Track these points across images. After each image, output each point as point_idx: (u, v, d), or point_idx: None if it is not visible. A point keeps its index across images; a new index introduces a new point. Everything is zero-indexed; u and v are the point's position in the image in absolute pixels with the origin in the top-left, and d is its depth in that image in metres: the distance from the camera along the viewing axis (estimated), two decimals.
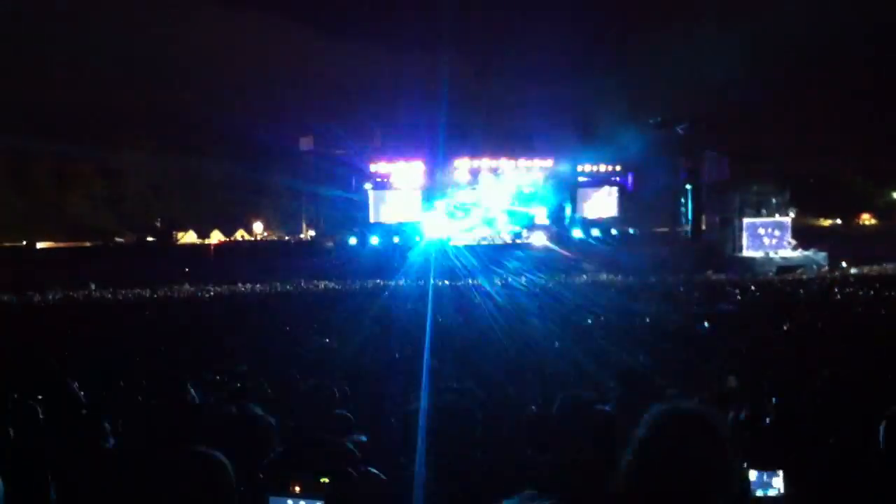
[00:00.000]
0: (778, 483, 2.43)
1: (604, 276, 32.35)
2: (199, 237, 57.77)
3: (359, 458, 2.24)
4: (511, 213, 57.66)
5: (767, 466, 2.44)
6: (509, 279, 31.28)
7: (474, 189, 56.90)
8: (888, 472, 2.27)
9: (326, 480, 1.78)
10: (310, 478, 1.80)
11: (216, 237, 57.68)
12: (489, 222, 57.06)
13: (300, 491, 1.77)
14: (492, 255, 44.92)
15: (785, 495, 2.40)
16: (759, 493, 2.43)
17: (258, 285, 31.60)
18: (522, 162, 57.60)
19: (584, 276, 32.57)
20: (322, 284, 31.97)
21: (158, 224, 59.48)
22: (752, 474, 2.44)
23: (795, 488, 2.46)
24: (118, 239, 56.89)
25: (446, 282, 31.19)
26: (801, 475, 2.61)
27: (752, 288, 27.48)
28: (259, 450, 2.49)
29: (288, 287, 31.39)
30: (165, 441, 2.88)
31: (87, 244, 53.37)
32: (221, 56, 60.18)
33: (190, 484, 1.94)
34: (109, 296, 30.15)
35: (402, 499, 2.42)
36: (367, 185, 55.98)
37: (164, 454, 2.09)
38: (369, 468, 2.40)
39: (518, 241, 55.22)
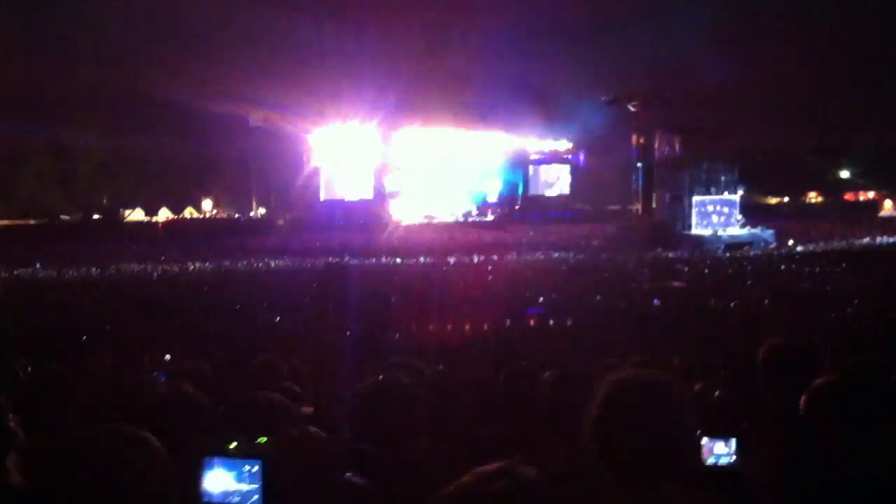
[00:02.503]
0: (731, 450, 2.42)
1: (555, 255, 32.47)
2: (146, 215, 56.92)
3: (300, 417, 2.14)
4: (464, 191, 57.79)
5: (720, 434, 2.43)
6: (463, 259, 31.26)
7: (426, 166, 56.90)
8: (809, 444, 2.28)
9: (264, 439, 1.68)
10: (246, 437, 1.70)
11: (164, 215, 56.84)
12: (443, 199, 57.09)
13: (236, 450, 1.66)
14: (444, 233, 44.91)
15: (737, 461, 2.40)
16: (712, 460, 2.42)
17: (207, 263, 31.16)
18: (476, 135, 57.68)
19: (539, 254, 32.65)
20: (272, 262, 31.62)
21: (105, 202, 58.52)
22: (705, 441, 2.42)
23: (748, 455, 2.46)
24: (63, 217, 55.87)
25: (398, 260, 31.08)
26: (752, 442, 2.59)
27: (702, 265, 27.82)
28: (188, 427, 2.38)
29: (238, 265, 31.00)
30: (89, 420, 2.74)
31: (33, 222, 52.32)
32: (170, 31, 59.04)
33: (112, 463, 1.84)
34: (55, 274, 29.50)
35: (343, 460, 2.38)
36: (318, 162, 55.62)
37: (84, 433, 1.98)
38: (310, 427, 2.32)
39: (470, 219, 55.35)
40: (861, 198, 63.53)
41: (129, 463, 1.83)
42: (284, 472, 1.68)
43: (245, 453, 1.66)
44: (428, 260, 30.61)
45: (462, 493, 1.40)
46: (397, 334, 14.69)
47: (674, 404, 2.07)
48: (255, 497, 1.63)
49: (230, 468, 1.65)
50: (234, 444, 1.66)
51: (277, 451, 1.70)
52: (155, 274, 28.76)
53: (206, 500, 1.66)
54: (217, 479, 1.66)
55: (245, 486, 1.63)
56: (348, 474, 2.35)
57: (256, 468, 1.64)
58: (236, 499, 1.65)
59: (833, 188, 64.27)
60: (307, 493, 1.77)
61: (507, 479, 1.40)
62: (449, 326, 16.06)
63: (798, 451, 2.22)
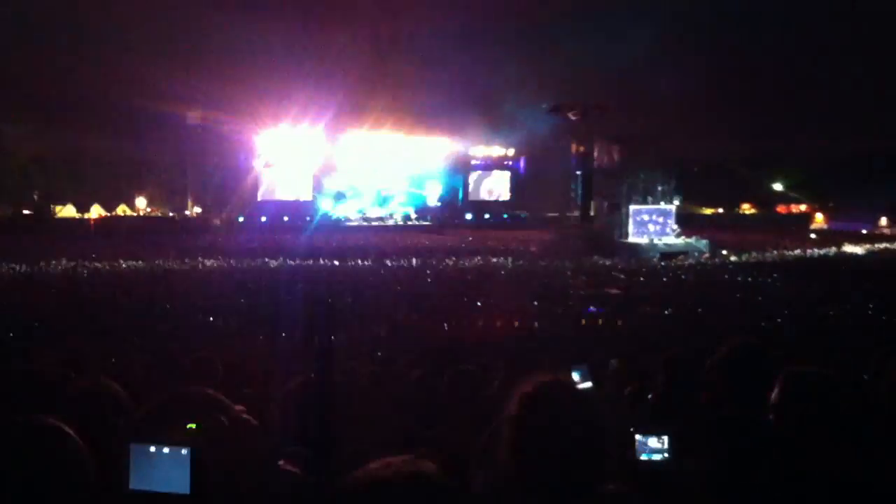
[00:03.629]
0: (664, 446, 2.45)
1: (494, 260, 32.63)
2: (78, 211, 55.59)
3: (230, 406, 2.09)
4: (405, 194, 57.78)
5: (654, 432, 2.46)
6: (402, 262, 31.20)
7: (367, 168, 56.76)
8: (779, 431, 2.31)
9: (193, 426, 1.63)
10: (176, 425, 1.65)
11: (96, 212, 55.56)
12: (382, 202, 57.01)
13: (165, 438, 1.61)
14: (386, 235, 44.83)
15: (671, 459, 2.43)
16: (645, 457, 2.44)
17: (140, 262, 30.54)
18: (417, 140, 57.74)
19: (478, 259, 32.77)
20: (208, 262, 31.12)
21: (36, 197, 57.05)
22: (638, 439, 2.45)
23: (682, 451, 2.49)
24: None
25: (336, 262, 30.88)
26: (686, 439, 2.63)
27: (638, 273, 28.25)
28: (109, 421, 2.33)
29: (172, 265, 30.43)
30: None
31: None
32: (109, 27, 57.77)
33: (22, 452, 1.80)
34: None
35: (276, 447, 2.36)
36: (257, 162, 55.06)
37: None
38: (242, 415, 2.28)
39: (409, 222, 55.36)
40: (794, 210, 65.23)
41: (40, 452, 1.79)
42: (214, 458, 1.63)
43: (174, 441, 1.61)
44: (366, 263, 30.47)
45: (362, 480, 1.42)
46: (333, 336, 14.57)
47: (586, 404, 2.10)
48: (185, 483, 1.59)
49: (159, 456, 1.60)
50: (164, 432, 1.61)
51: (207, 438, 1.66)
52: (86, 272, 28.08)
53: (133, 487, 1.61)
54: (146, 467, 1.61)
55: (174, 473, 1.59)
56: (281, 462, 2.33)
57: (186, 452, 1.59)
58: (164, 486, 1.60)
59: (766, 200, 65.83)
60: (237, 479, 1.73)
61: (405, 470, 1.42)
62: (383, 331, 16.07)
63: (731, 448, 2.24)
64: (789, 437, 2.26)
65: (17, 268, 28.15)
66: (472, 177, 60.70)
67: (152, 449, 1.60)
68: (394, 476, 1.41)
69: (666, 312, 19.17)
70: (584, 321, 18.17)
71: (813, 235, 49.75)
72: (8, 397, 3.02)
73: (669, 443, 2.41)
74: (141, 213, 58.26)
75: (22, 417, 1.90)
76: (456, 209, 58.91)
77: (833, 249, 39.39)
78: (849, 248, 40.14)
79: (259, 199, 55.09)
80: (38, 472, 1.77)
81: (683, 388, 3.98)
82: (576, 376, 2.44)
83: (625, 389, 5.92)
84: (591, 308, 16.26)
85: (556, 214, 52.38)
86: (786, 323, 16.78)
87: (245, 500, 1.81)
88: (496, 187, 61.38)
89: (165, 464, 1.58)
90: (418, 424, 4.10)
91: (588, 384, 2.38)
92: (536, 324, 17.59)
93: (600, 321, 18.27)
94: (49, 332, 14.46)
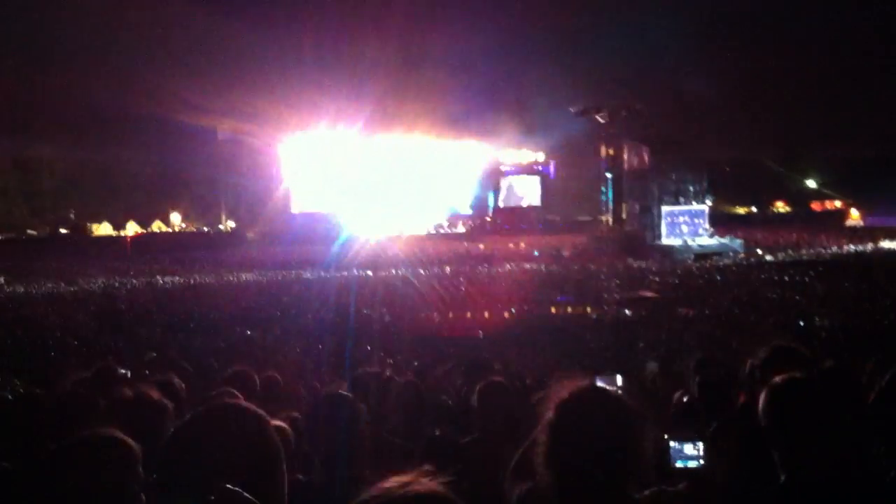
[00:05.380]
0: (699, 453, 2.44)
1: (527, 266, 32.59)
2: (114, 229, 56.37)
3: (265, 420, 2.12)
4: (436, 203, 57.83)
5: (688, 438, 2.45)
6: (434, 269, 31.28)
7: (398, 176, 56.93)
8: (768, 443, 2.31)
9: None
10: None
11: (132, 229, 56.31)
12: (415, 210, 57.03)
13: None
14: (415, 246, 44.89)
15: (706, 465, 2.42)
16: (680, 464, 2.43)
17: (177, 277, 30.92)
18: (448, 146, 57.78)
19: (508, 266, 32.73)
20: (243, 276, 31.43)
21: (72, 216, 57.96)
22: (673, 445, 2.43)
23: (716, 457, 2.47)
24: (30, 232, 55.23)
25: (369, 273, 31.00)
26: (720, 445, 2.61)
27: (672, 275, 28.04)
28: (153, 432, 2.36)
29: (208, 279, 30.77)
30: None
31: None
32: (137, 44, 58.62)
33: (91, 466, 1.87)
34: (21, 289, 29.14)
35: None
36: (287, 173, 55.38)
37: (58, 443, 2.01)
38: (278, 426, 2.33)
39: (441, 231, 55.37)
40: (828, 206, 64.42)
41: (107, 463, 1.87)
42: None
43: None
44: (399, 272, 30.54)
45: (375, 499, 1.44)
46: (368, 346, 14.67)
47: (623, 410, 2.09)
48: None
49: None
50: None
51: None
52: (123, 289, 28.47)
53: None
54: None
55: None
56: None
57: None
58: None
59: (800, 197, 65.08)
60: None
61: (405, 490, 1.44)
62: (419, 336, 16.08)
63: (762, 453, 2.23)
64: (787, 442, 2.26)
65: (57, 286, 28.64)
66: (503, 183, 60.60)
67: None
68: (404, 497, 1.42)
69: (704, 313, 19.04)
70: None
71: (848, 232, 49.04)
72: (45, 416, 3.09)
73: (704, 449, 2.40)
74: (176, 229, 58.92)
75: (88, 431, 1.98)
76: (487, 216, 58.86)
77: (869, 246, 38.83)
78: (885, 244, 39.52)
79: (291, 210, 55.43)
80: (106, 482, 1.87)
81: (716, 391, 3.96)
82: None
83: (662, 392, 5.89)
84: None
85: (587, 218, 52.15)
86: (823, 321, 16.58)
87: None
88: (527, 193, 61.24)
89: None
90: (454, 431, 4.12)
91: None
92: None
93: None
94: (87, 348, 14.70)
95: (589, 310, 20.19)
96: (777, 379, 2.31)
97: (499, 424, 3.66)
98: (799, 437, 2.14)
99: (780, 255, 34.47)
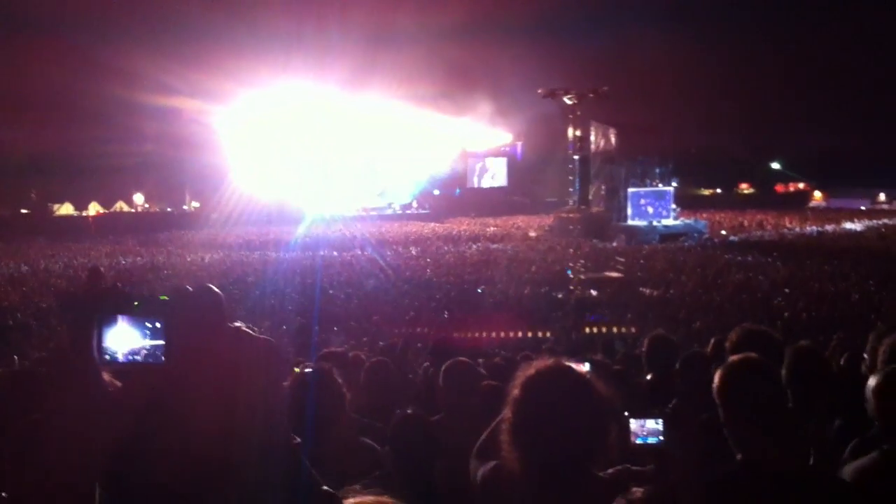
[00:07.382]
0: (658, 430, 2.48)
1: (493, 246, 32.64)
2: (75, 209, 55.61)
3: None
4: (403, 183, 57.71)
5: (648, 416, 2.49)
6: (400, 250, 31.23)
7: (365, 158, 56.71)
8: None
9: (165, 298, 1.65)
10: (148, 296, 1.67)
11: (94, 209, 55.58)
12: (380, 193, 56.90)
13: (137, 310, 1.63)
14: (383, 226, 44.79)
15: (665, 442, 2.46)
16: (640, 441, 2.47)
17: (139, 258, 30.60)
18: (414, 127, 57.60)
19: (475, 246, 32.77)
20: (207, 257, 31.13)
21: (33, 196, 57.14)
22: (633, 423, 2.47)
23: (675, 434, 2.52)
24: None
25: (334, 253, 30.89)
26: (679, 422, 2.65)
27: (637, 256, 28.24)
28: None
29: (172, 259, 30.45)
30: None
31: None
32: (102, 24, 57.67)
33: None
34: None
35: None
36: (251, 154, 54.94)
37: None
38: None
39: (408, 211, 55.30)
40: (792, 189, 65.22)
41: None
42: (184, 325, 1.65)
43: (148, 311, 1.62)
44: (366, 253, 30.45)
45: None
46: (335, 327, 14.66)
47: (589, 389, 2.13)
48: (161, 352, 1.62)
49: (135, 326, 1.62)
50: (136, 303, 1.62)
51: (179, 307, 1.67)
52: (86, 270, 28.05)
53: (109, 357, 1.62)
54: (121, 337, 1.62)
55: (149, 342, 1.61)
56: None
57: (159, 325, 1.62)
58: (142, 355, 1.62)
59: (764, 180, 65.81)
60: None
61: None
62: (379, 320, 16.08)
63: (719, 432, 2.27)
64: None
65: (18, 267, 28.18)
66: (470, 164, 60.58)
67: (128, 319, 1.61)
68: None
69: (669, 293, 19.22)
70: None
71: (811, 213, 49.76)
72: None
73: (664, 425, 2.44)
74: (139, 209, 58.28)
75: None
76: (454, 197, 58.85)
77: (832, 226, 39.41)
78: (848, 225, 40.13)
79: (255, 190, 54.98)
80: None
81: (673, 369, 4.01)
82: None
83: (627, 370, 5.97)
84: (594, 316, 16.49)
85: (553, 200, 52.37)
86: (786, 302, 16.84)
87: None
88: (493, 174, 61.28)
89: (142, 333, 1.60)
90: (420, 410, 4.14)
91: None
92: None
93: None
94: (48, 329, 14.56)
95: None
96: (732, 358, 2.35)
97: (464, 404, 3.69)
98: (749, 417, 2.18)
99: (744, 236, 34.86)
